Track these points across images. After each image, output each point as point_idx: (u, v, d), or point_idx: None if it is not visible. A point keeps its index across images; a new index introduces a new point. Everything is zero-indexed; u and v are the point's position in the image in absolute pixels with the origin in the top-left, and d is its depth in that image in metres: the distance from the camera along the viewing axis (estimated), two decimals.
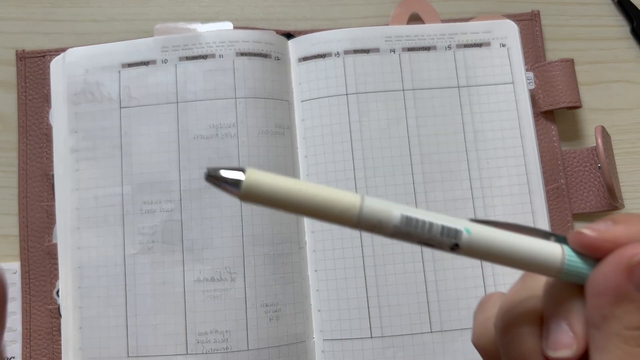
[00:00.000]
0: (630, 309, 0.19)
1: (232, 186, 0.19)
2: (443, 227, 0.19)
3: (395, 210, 0.20)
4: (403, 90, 0.42)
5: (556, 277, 0.20)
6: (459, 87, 0.42)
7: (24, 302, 0.41)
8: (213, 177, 0.19)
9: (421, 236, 0.19)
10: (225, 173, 0.19)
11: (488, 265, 0.40)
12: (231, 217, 0.39)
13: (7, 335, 0.41)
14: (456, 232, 0.19)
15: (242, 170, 0.19)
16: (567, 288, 0.20)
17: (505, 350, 0.21)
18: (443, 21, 0.45)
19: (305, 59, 0.43)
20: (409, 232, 0.19)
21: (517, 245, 0.20)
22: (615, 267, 0.19)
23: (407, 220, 0.19)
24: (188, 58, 0.42)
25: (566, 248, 0.20)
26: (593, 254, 0.20)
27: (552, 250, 0.20)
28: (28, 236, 0.42)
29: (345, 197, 0.20)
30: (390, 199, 0.40)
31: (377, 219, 0.20)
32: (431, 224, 0.19)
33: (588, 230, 0.20)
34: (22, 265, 0.41)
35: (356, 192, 0.41)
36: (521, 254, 0.20)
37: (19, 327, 0.41)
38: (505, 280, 0.40)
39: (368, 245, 0.40)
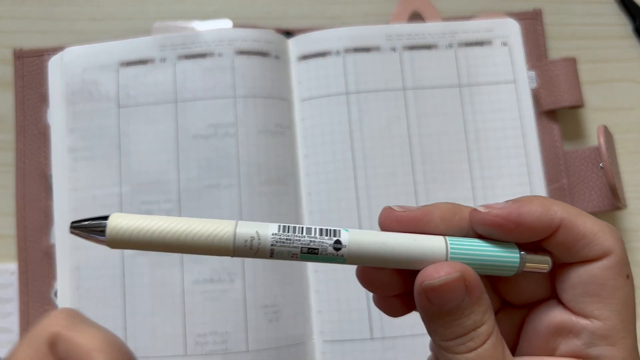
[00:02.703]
0: (440, 324, 0.20)
1: (97, 234, 0.19)
2: (322, 229, 0.20)
3: (271, 224, 0.20)
4: (404, 89, 0.42)
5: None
6: (460, 86, 0.42)
7: (21, 303, 0.40)
8: (77, 229, 0.19)
9: (301, 239, 0.20)
10: (88, 223, 0.19)
11: None
12: (230, 217, 0.39)
13: (5, 337, 0.40)
14: (335, 232, 0.20)
15: (106, 217, 0.19)
16: None
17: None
18: (444, 19, 0.44)
19: (305, 57, 0.42)
20: (289, 238, 0.19)
21: (402, 237, 0.21)
22: (418, 291, 0.20)
23: (284, 227, 0.20)
24: (187, 57, 0.41)
25: (450, 239, 0.21)
26: (492, 232, 0.21)
27: (436, 242, 0.21)
28: (26, 236, 0.41)
29: (218, 226, 0.19)
30: (391, 199, 0.40)
31: (253, 232, 0.19)
32: (309, 228, 0.20)
33: (482, 208, 0.21)
34: (19, 265, 0.41)
35: (356, 192, 0.41)
36: (408, 245, 0.20)
37: (16, 328, 0.40)
38: None
39: None
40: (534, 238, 0.21)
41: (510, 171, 0.41)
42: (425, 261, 0.20)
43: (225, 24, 0.44)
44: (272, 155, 0.40)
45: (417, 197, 0.40)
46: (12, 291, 0.41)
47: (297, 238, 0.19)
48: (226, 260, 0.39)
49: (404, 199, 0.40)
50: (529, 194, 0.41)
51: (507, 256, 0.21)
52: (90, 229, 0.19)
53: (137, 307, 0.39)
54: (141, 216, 0.19)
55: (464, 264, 0.20)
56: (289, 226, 0.20)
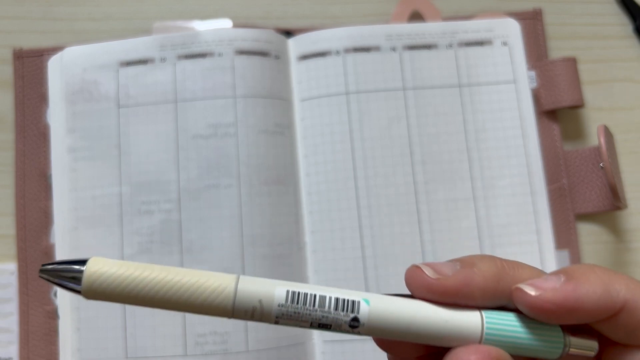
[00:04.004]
0: None
1: (71, 282, 0.15)
2: (337, 300, 0.17)
3: (278, 286, 0.16)
4: (404, 89, 0.42)
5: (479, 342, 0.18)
6: (460, 86, 0.42)
7: (21, 303, 0.41)
8: (47, 273, 0.15)
9: (312, 314, 0.16)
10: (62, 267, 0.15)
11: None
12: (230, 218, 0.39)
13: (4, 337, 0.41)
14: (353, 305, 0.17)
15: (84, 262, 0.15)
16: None
17: None
18: (444, 19, 0.44)
19: (305, 57, 0.42)
20: (298, 312, 0.16)
21: (432, 314, 0.17)
22: None
23: (293, 296, 0.16)
24: (187, 56, 0.41)
25: (487, 314, 0.18)
26: (540, 317, 0.18)
27: (471, 319, 0.18)
28: (25, 236, 0.41)
29: (214, 282, 0.16)
30: (390, 199, 0.40)
31: (256, 300, 0.16)
32: (323, 298, 0.17)
33: (530, 289, 0.18)
34: (19, 265, 0.41)
35: (356, 192, 0.40)
36: (439, 326, 0.17)
37: (16, 328, 0.40)
38: None
39: (369, 246, 0.40)
40: (587, 321, 0.19)
41: (510, 171, 0.41)
42: (457, 339, 0.18)
43: (225, 23, 0.44)
44: (272, 155, 0.40)
45: (417, 196, 0.40)
46: (12, 291, 0.41)
47: (307, 312, 0.16)
48: (226, 258, 0.39)
49: (404, 199, 0.40)
50: (528, 194, 0.41)
51: (550, 340, 0.18)
52: (63, 275, 0.15)
53: (137, 307, 0.39)
54: (125, 263, 0.16)
55: (499, 350, 0.18)
56: (298, 294, 0.17)
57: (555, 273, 0.19)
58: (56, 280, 0.16)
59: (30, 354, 0.40)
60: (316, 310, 0.16)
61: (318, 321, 0.17)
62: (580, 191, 0.42)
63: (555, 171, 0.42)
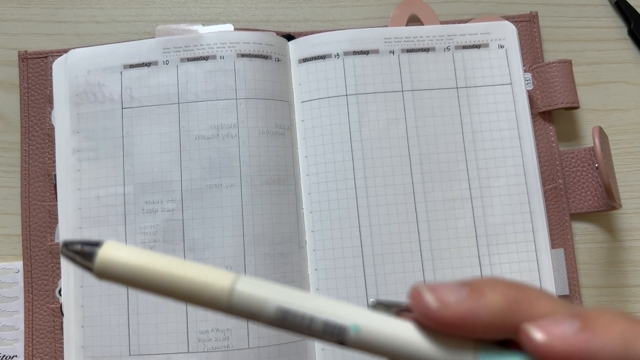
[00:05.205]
0: None
1: (86, 260, 0.17)
2: (326, 323, 0.17)
3: (270, 300, 0.17)
4: (402, 91, 0.42)
5: None
6: (457, 88, 0.43)
7: (26, 301, 0.41)
8: (67, 251, 0.17)
9: (300, 330, 0.17)
10: (79, 247, 0.17)
11: (487, 265, 0.40)
12: (232, 217, 0.40)
13: (10, 334, 0.41)
14: (340, 330, 0.17)
15: (99, 244, 0.17)
16: None
17: None
18: (442, 23, 0.45)
19: (305, 60, 0.43)
20: (286, 326, 0.17)
21: (421, 347, 0.17)
22: None
23: (284, 313, 0.17)
24: (189, 59, 0.42)
25: (482, 356, 0.17)
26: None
27: (462, 354, 0.17)
28: (30, 236, 0.42)
29: (214, 282, 0.17)
30: (389, 199, 0.41)
31: (249, 309, 0.17)
32: (312, 319, 0.17)
33: (538, 332, 0.16)
34: (24, 264, 0.42)
35: (356, 192, 0.41)
36: (423, 355, 0.17)
37: (21, 325, 0.41)
38: None
39: (368, 245, 0.40)
40: None
41: (506, 171, 0.42)
42: None
43: (227, 27, 0.44)
44: (273, 155, 0.41)
45: (415, 196, 0.41)
46: (17, 289, 0.42)
47: (296, 327, 0.17)
48: (228, 257, 0.39)
49: (403, 199, 0.41)
50: (525, 194, 0.41)
51: None
52: (82, 251, 0.17)
53: (140, 305, 0.39)
54: (136, 250, 0.17)
55: None
56: (287, 312, 0.17)
57: (572, 317, 0.16)
58: (73, 257, 0.17)
59: (35, 351, 0.41)
60: (304, 329, 0.17)
61: (306, 335, 0.17)
62: (575, 191, 0.43)
63: (551, 171, 0.43)
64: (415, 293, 0.17)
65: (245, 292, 0.17)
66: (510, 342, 0.17)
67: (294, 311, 0.17)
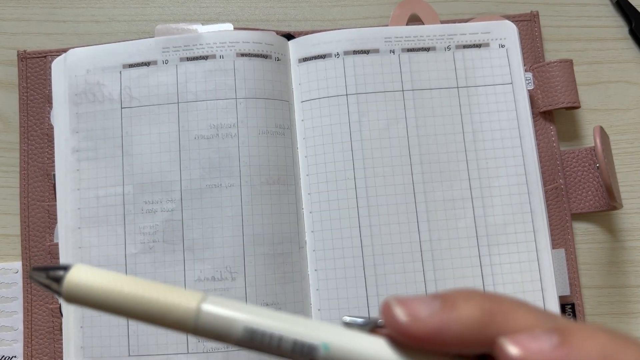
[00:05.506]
0: None
1: (55, 284, 0.17)
2: (295, 342, 0.16)
3: (238, 320, 0.16)
4: (402, 90, 0.42)
5: None
6: (458, 87, 0.43)
7: (25, 301, 0.41)
8: (35, 275, 0.17)
9: (268, 350, 0.17)
10: (46, 273, 0.17)
11: (487, 265, 0.40)
12: (232, 217, 0.40)
13: (9, 335, 0.41)
14: (310, 349, 0.16)
15: (66, 268, 0.17)
16: None
17: None
18: (442, 22, 0.45)
19: (305, 59, 0.43)
20: (254, 346, 0.17)
21: None
22: None
23: (252, 333, 0.16)
24: (189, 59, 0.42)
25: None
26: None
27: None
28: (29, 236, 0.42)
29: (180, 303, 0.17)
30: (389, 199, 0.41)
31: (215, 330, 0.17)
32: (280, 339, 0.16)
33: (513, 347, 0.15)
34: (23, 264, 0.41)
35: (356, 192, 0.41)
36: None
37: (20, 326, 0.41)
38: (504, 279, 0.40)
39: (368, 245, 0.40)
40: None
41: (507, 171, 0.41)
42: None
43: (227, 26, 0.44)
44: (273, 155, 0.41)
45: (416, 196, 0.41)
46: (16, 290, 0.41)
47: (265, 347, 0.17)
48: (227, 257, 0.39)
49: (403, 199, 0.41)
50: (525, 194, 0.41)
51: None
52: (50, 276, 0.17)
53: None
54: (104, 273, 0.17)
55: None
56: (255, 332, 0.16)
57: (550, 331, 0.15)
58: (42, 281, 0.17)
59: (34, 352, 0.40)
60: (274, 349, 0.17)
61: (276, 355, 0.17)
62: (576, 191, 0.43)
63: (552, 171, 0.43)
64: (385, 308, 0.17)
65: (211, 313, 0.17)
66: (488, 358, 0.17)
67: (262, 331, 0.16)
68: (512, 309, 0.16)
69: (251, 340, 0.16)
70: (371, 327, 0.18)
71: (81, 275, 0.17)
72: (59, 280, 0.17)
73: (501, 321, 0.16)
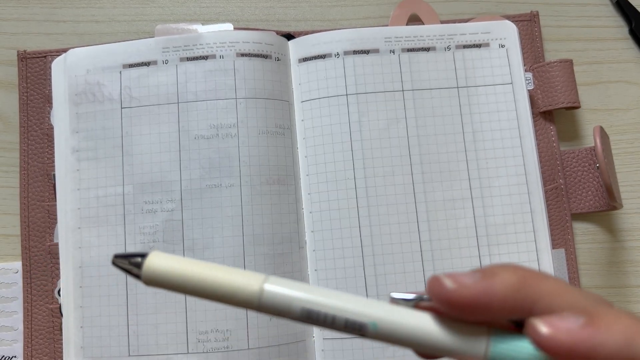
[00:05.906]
0: None
1: (136, 268, 0.19)
2: (347, 321, 0.18)
3: (296, 301, 0.19)
4: (402, 90, 0.42)
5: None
6: (458, 87, 0.43)
7: (25, 301, 0.41)
8: (118, 261, 0.20)
9: (324, 325, 0.19)
10: (128, 260, 0.19)
11: (487, 264, 0.40)
12: (232, 217, 0.40)
13: (9, 335, 0.41)
14: (361, 326, 0.18)
15: (144, 255, 0.19)
16: None
17: None
18: (442, 22, 0.45)
19: (305, 59, 0.43)
20: (312, 322, 0.19)
21: (437, 338, 0.18)
22: None
23: (308, 313, 0.19)
24: (189, 59, 0.42)
25: (495, 342, 0.18)
26: (550, 356, 0.17)
27: (476, 348, 0.18)
28: (29, 236, 0.42)
29: (245, 285, 0.19)
30: (389, 199, 0.41)
31: (276, 309, 0.19)
32: (334, 318, 0.19)
33: (543, 326, 0.17)
34: (23, 264, 0.41)
35: (356, 192, 0.41)
36: (439, 344, 0.18)
37: (20, 326, 0.41)
38: None
39: (368, 245, 0.40)
40: None
41: (507, 171, 0.41)
42: (463, 353, 0.18)
43: (227, 26, 0.44)
44: (273, 155, 0.41)
45: (416, 196, 0.41)
46: (17, 290, 0.41)
47: (322, 324, 0.19)
48: (227, 257, 0.39)
49: (403, 199, 0.41)
50: (525, 194, 0.41)
51: None
52: (131, 262, 0.19)
53: (139, 305, 0.39)
54: (176, 259, 0.19)
55: None
56: (311, 312, 0.19)
57: (578, 312, 0.17)
58: (124, 267, 0.19)
59: (34, 351, 0.40)
60: (329, 325, 0.19)
61: (332, 329, 0.19)
62: (576, 191, 0.43)
63: (552, 171, 0.43)
64: (433, 280, 0.19)
65: (272, 292, 0.19)
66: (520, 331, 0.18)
67: (317, 311, 0.19)
68: (543, 278, 0.18)
69: (308, 318, 0.19)
70: (416, 302, 0.19)
71: (157, 261, 0.19)
72: (139, 265, 0.19)
73: (534, 284, 0.18)
